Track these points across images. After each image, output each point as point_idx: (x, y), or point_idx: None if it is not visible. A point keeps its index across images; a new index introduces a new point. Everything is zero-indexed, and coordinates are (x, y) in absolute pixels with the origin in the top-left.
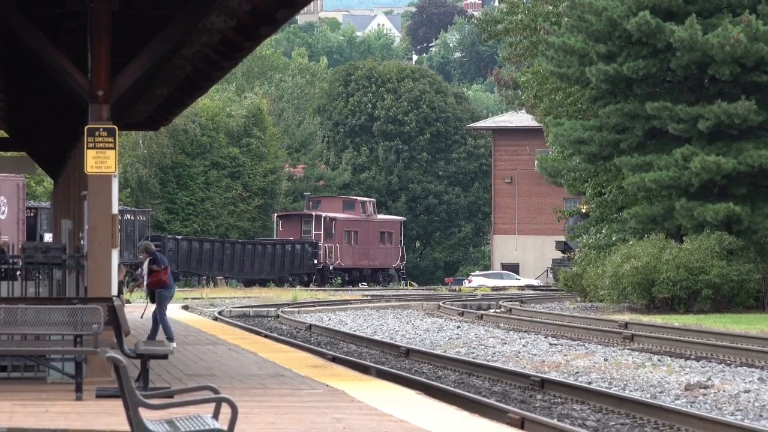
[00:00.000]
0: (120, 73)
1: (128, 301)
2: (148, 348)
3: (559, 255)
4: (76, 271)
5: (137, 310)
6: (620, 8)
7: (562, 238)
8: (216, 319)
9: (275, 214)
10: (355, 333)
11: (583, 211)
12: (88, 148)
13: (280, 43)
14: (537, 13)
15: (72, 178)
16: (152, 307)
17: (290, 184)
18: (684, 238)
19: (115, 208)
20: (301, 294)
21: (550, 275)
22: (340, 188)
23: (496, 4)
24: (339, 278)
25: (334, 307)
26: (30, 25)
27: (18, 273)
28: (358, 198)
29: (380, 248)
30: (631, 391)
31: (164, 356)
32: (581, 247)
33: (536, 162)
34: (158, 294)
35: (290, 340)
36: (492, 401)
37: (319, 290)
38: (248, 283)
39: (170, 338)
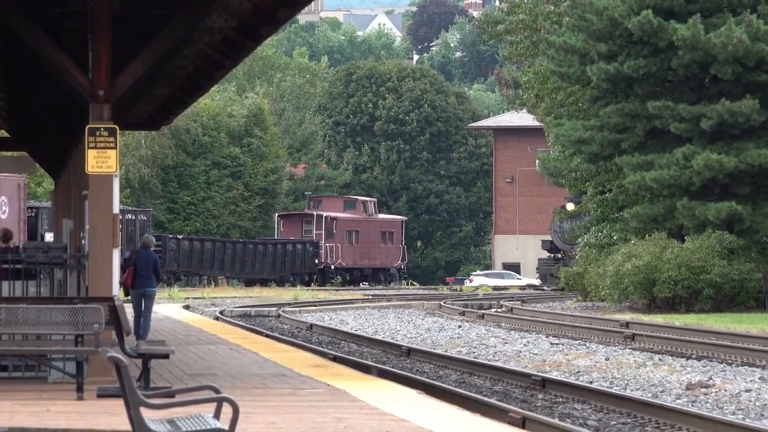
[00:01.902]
0: (121, 73)
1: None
2: (149, 348)
3: (545, 255)
4: (77, 270)
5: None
6: (621, 7)
7: (549, 238)
8: (217, 318)
9: (276, 214)
10: (356, 333)
11: (570, 209)
12: (89, 147)
13: (281, 42)
14: (538, 13)
15: (73, 178)
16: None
17: (291, 184)
18: (685, 237)
19: (116, 208)
20: (302, 294)
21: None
22: (341, 188)
23: (497, 3)
24: (340, 278)
25: (335, 306)
26: (31, 25)
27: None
28: (359, 198)
29: (381, 248)
30: (632, 390)
31: (165, 356)
32: (582, 246)
33: (537, 162)
34: None
35: (291, 339)
36: (493, 401)
37: (320, 290)
38: (249, 283)
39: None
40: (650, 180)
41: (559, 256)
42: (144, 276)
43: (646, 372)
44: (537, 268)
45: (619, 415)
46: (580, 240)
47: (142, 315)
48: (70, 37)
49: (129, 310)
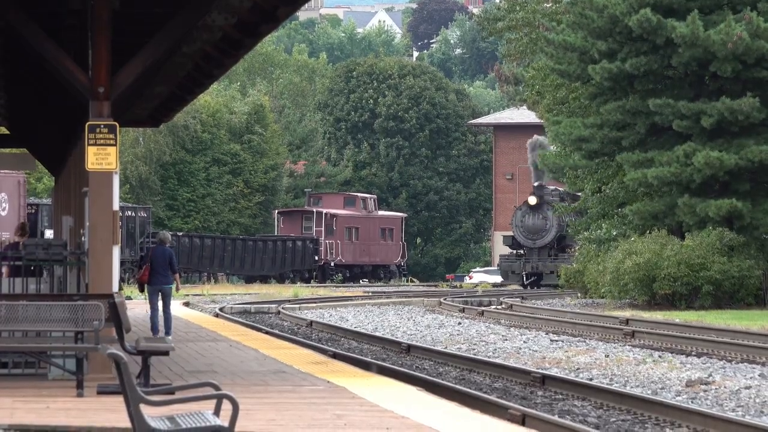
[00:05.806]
0: (121, 71)
1: (129, 297)
2: (149, 344)
3: (507, 251)
4: (77, 267)
5: (138, 306)
6: (622, 5)
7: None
8: (217, 315)
9: (276, 211)
10: (356, 329)
11: (532, 203)
12: (89, 144)
13: (281, 39)
14: (537, 10)
15: (73, 175)
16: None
17: (291, 181)
18: (685, 234)
19: (116, 205)
20: (302, 290)
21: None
22: (341, 185)
23: (497, 0)
24: (340, 275)
25: (335, 303)
26: (31, 23)
27: (33, 269)
28: (359, 194)
29: (381, 245)
30: (632, 387)
31: (165, 353)
32: (583, 242)
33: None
34: None
35: (291, 336)
36: (493, 398)
37: (319, 287)
38: (249, 280)
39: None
40: (651, 177)
41: (522, 252)
42: (161, 273)
43: (646, 369)
44: (498, 265)
45: (619, 412)
46: (578, 237)
47: (163, 311)
48: (71, 35)
49: (130, 306)
